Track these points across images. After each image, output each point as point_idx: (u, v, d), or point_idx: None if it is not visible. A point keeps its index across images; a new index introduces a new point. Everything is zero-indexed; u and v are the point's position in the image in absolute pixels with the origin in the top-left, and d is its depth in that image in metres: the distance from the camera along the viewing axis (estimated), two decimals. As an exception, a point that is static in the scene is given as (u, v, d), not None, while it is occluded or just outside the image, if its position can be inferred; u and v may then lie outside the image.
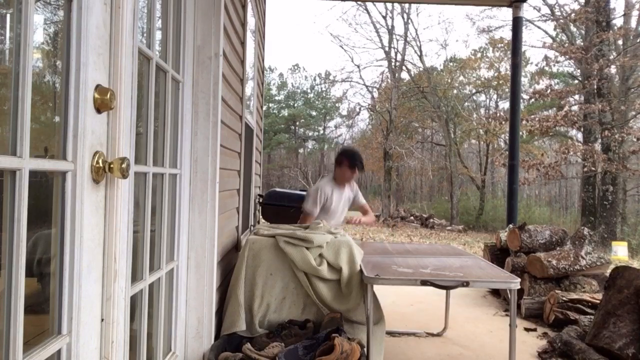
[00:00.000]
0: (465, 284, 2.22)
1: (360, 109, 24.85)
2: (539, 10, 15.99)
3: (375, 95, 22.88)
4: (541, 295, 3.86)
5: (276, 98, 33.35)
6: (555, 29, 16.16)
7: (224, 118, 2.29)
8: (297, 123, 32.72)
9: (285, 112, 32.54)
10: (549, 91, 14.40)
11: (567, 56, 13.62)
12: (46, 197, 0.99)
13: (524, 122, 12.78)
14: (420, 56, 20.28)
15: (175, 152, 1.93)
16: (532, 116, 14.01)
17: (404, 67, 20.83)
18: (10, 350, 0.80)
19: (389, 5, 19.14)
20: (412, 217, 15.87)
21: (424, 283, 2.22)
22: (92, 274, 1.05)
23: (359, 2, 16.38)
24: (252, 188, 3.81)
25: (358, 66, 28.34)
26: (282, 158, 32.79)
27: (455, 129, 20.53)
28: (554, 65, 15.18)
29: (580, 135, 14.50)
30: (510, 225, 4.71)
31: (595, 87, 12.28)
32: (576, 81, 14.73)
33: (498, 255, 4.69)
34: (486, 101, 23.71)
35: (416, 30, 31.44)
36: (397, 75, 20.79)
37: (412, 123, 22.18)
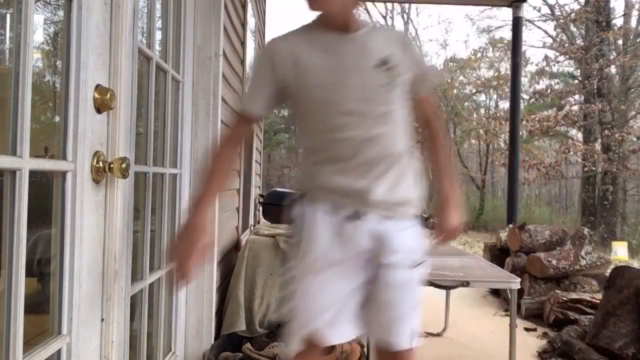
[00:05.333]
0: (466, 284, 2.21)
1: (360, 109, 24.81)
2: (539, 10, 15.98)
3: (375, 95, 22.85)
4: (541, 295, 3.85)
5: (276, 98, 33.30)
6: (555, 29, 16.15)
7: (224, 118, 2.29)
8: (297, 123, 32.64)
9: (285, 112, 32.54)
10: (549, 91, 14.41)
11: (567, 56, 13.62)
12: (46, 197, 0.99)
13: (524, 122, 12.77)
14: (420, 56, 20.26)
15: (175, 152, 1.93)
16: (532, 116, 14.00)
17: (404, 67, 20.80)
18: (10, 350, 0.80)
19: (389, 5, 19.13)
20: (412, 217, 15.83)
21: (424, 283, 2.22)
22: (92, 274, 1.05)
23: (359, 2, 16.37)
24: (252, 188, 3.81)
25: (358, 66, 28.31)
26: (282, 158, 32.76)
27: (455, 129, 20.52)
28: (554, 65, 15.18)
29: (580, 135, 14.50)
30: (510, 225, 4.71)
31: (595, 87, 12.27)
32: (576, 81, 14.72)
33: (498, 255, 4.69)
34: (486, 101, 23.70)
35: (416, 30, 31.34)
36: (397, 75, 20.76)
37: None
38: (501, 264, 4.34)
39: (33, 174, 0.86)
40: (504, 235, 4.70)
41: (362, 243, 1.21)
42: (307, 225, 1.23)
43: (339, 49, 1.21)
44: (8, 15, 0.89)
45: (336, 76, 1.20)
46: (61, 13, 1.01)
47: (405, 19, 19.95)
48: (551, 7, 15.22)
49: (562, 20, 14.71)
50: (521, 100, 6.68)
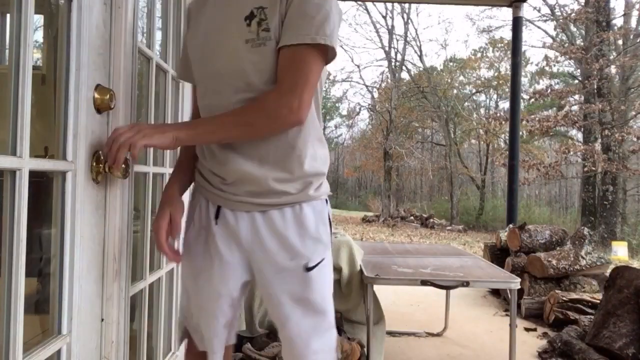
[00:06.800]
0: (465, 284, 2.22)
1: (360, 109, 24.86)
2: (539, 11, 16.03)
3: (375, 95, 22.88)
4: (541, 295, 3.86)
5: (276, 98, 33.27)
6: (555, 29, 16.16)
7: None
8: (297, 123, 32.59)
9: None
10: (549, 91, 14.41)
11: (567, 56, 13.62)
12: (46, 197, 0.99)
13: (524, 122, 12.78)
14: (420, 56, 20.31)
15: (175, 151, 1.93)
16: (532, 116, 14.01)
17: (404, 67, 20.84)
18: (10, 350, 0.80)
19: (389, 5, 19.14)
20: (412, 217, 15.87)
21: (424, 283, 2.22)
22: (92, 274, 1.05)
23: (359, 2, 16.38)
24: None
25: (358, 66, 28.39)
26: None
27: (455, 129, 20.53)
28: (554, 65, 15.18)
29: (580, 135, 14.51)
30: (510, 225, 4.71)
31: (595, 87, 12.28)
32: (576, 81, 14.73)
33: (498, 255, 4.69)
34: (486, 101, 23.72)
35: (416, 30, 31.45)
36: (397, 75, 20.79)
37: (412, 123, 22.17)
38: (501, 264, 4.34)
39: (33, 173, 0.86)
40: (504, 235, 4.70)
41: None
42: None
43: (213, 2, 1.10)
44: (8, 15, 0.89)
45: (206, 32, 1.10)
46: (61, 13, 1.01)
47: (405, 19, 19.96)
48: (551, 7, 15.24)
49: (562, 20, 14.71)
50: (521, 100, 6.68)
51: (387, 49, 20.80)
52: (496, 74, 19.93)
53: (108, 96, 1.05)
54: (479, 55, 20.91)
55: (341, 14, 1.05)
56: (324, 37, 0.98)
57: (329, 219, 1.17)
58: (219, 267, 1.14)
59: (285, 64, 1.00)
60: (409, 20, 20.04)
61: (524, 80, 19.53)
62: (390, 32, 20.54)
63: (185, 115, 2.00)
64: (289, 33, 0.99)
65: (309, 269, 1.09)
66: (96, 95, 1.04)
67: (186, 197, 1.22)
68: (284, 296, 1.11)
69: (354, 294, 2.47)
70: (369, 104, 23.70)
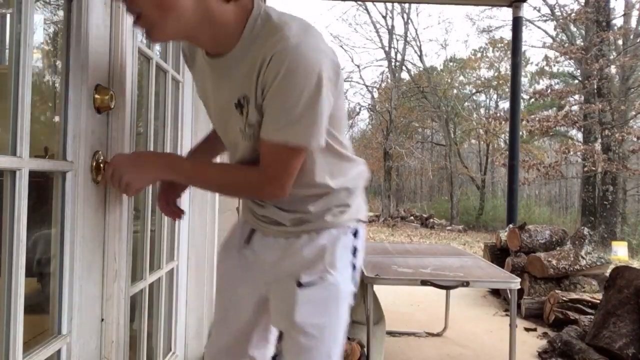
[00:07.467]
0: (465, 284, 2.22)
1: (360, 109, 24.81)
2: (539, 11, 15.99)
3: (375, 95, 22.87)
4: (541, 295, 3.86)
5: (276, 98, 33.23)
6: (555, 29, 16.16)
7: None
8: (297, 123, 32.56)
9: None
10: (549, 91, 14.42)
11: (567, 56, 13.62)
12: (46, 197, 0.99)
13: (524, 122, 12.77)
14: (420, 56, 20.29)
15: (175, 152, 1.93)
16: (532, 116, 14.00)
17: (404, 67, 20.82)
18: (10, 350, 0.80)
19: (389, 5, 19.11)
20: (412, 217, 15.87)
21: (424, 283, 2.22)
22: (92, 274, 1.05)
23: (359, 2, 16.37)
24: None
25: (358, 66, 28.32)
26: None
27: (455, 129, 20.52)
28: (554, 65, 15.18)
29: (580, 135, 14.51)
30: (510, 225, 4.71)
31: (595, 87, 12.27)
32: (576, 81, 14.73)
33: (498, 255, 4.69)
34: (486, 101, 23.71)
35: (416, 30, 31.35)
36: (397, 75, 20.78)
37: (412, 123, 22.16)
38: (501, 264, 4.34)
39: (33, 174, 0.86)
40: (504, 235, 4.70)
41: None
42: None
43: (206, 74, 1.08)
44: (8, 15, 0.89)
45: (209, 103, 1.13)
46: (61, 13, 1.01)
47: (405, 19, 19.94)
48: (551, 7, 15.23)
49: (562, 20, 14.72)
50: (521, 100, 6.68)
51: (387, 49, 20.79)
52: (496, 74, 19.92)
53: (108, 96, 1.05)
54: (479, 55, 20.89)
55: (326, 89, 0.92)
56: (297, 139, 0.94)
57: (354, 249, 1.15)
58: (241, 282, 1.22)
59: (267, 153, 0.99)
60: (409, 20, 20.02)
61: (524, 80, 19.52)
62: (390, 32, 20.53)
63: (186, 115, 2.00)
64: (265, 127, 0.96)
65: (300, 285, 1.07)
66: (96, 95, 1.04)
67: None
68: (277, 310, 1.14)
69: (354, 294, 2.47)
70: (369, 104, 23.67)
